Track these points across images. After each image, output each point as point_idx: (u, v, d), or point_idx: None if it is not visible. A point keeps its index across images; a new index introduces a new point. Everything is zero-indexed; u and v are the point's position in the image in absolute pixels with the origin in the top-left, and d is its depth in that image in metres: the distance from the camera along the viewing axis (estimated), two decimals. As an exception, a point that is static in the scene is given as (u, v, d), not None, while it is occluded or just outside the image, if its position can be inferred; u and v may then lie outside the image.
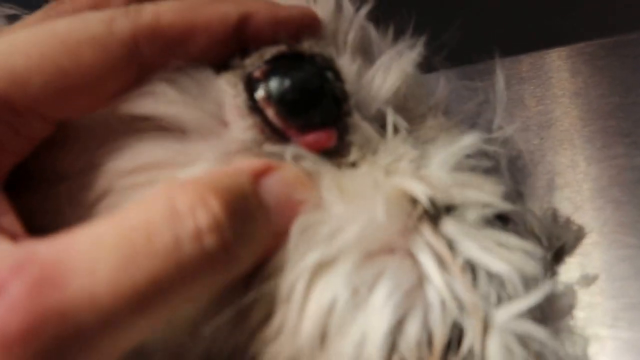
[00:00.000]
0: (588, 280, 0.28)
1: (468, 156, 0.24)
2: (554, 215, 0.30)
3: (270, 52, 0.23)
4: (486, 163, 0.24)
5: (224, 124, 0.22)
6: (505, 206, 0.23)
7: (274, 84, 0.22)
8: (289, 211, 0.21)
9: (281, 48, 0.23)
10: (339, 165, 0.23)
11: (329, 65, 0.23)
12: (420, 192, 0.21)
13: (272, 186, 0.21)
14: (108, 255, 0.16)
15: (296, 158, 0.22)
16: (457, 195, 0.22)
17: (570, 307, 0.24)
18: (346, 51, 0.24)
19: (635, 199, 0.30)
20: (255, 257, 0.20)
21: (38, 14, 0.26)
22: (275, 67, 0.23)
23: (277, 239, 0.21)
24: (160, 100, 0.22)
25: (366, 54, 0.26)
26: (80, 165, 0.22)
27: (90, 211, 0.21)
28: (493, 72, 0.39)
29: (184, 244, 0.17)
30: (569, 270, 0.28)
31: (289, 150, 0.22)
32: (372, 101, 0.24)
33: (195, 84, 0.22)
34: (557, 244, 0.28)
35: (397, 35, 0.27)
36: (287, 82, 0.22)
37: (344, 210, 0.21)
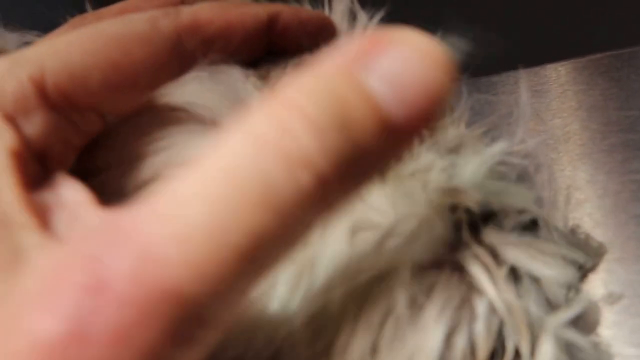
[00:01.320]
0: (613, 298, 0.28)
1: (498, 164, 0.23)
2: (574, 231, 0.29)
3: (294, 62, 0.25)
4: (512, 173, 0.24)
5: None
6: (538, 212, 0.23)
7: None
8: (419, 100, 0.15)
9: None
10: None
11: None
12: (461, 203, 0.22)
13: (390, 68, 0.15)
14: (200, 213, 0.14)
15: None
16: (494, 203, 0.22)
17: (597, 323, 0.24)
18: None
19: (659, 213, 0.29)
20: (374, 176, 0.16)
21: (64, 26, 0.27)
22: None
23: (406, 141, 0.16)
24: (198, 92, 0.23)
25: None
26: (122, 156, 0.22)
27: (134, 195, 0.21)
28: (507, 84, 0.38)
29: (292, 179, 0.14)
30: (593, 288, 0.28)
31: None
32: None
33: (227, 83, 0.24)
34: (579, 261, 0.27)
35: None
36: None
37: (391, 225, 0.21)
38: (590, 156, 0.33)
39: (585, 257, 0.27)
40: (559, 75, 0.37)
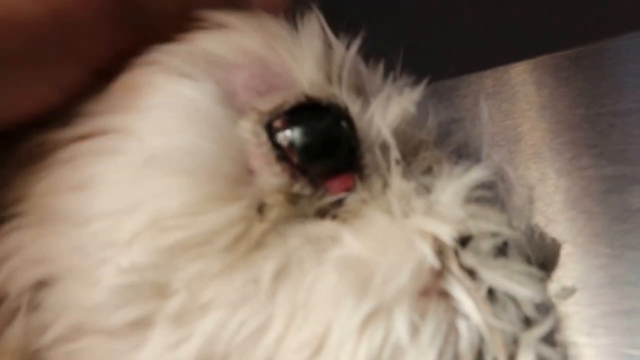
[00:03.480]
0: (567, 292, 0.29)
1: (474, 188, 0.26)
2: (531, 231, 0.31)
3: (288, 102, 0.25)
4: (488, 193, 0.26)
5: (250, 171, 0.24)
6: (511, 234, 0.24)
7: (296, 134, 0.24)
8: None
9: (300, 99, 0.25)
10: (355, 206, 0.25)
11: (344, 115, 0.25)
12: (443, 232, 0.23)
13: None
14: None
15: (329, 208, 0.24)
16: (471, 227, 0.24)
17: (565, 334, 0.26)
18: (342, 91, 0.26)
19: (606, 208, 0.31)
20: None
21: None
22: (295, 117, 0.25)
23: None
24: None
25: (360, 91, 0.27)
26: None
27: None
28: (461, 88, 0.40)
29: None
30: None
31: (324, 199, 0.24)
32: (374, 138, 0.26)
33: (216, 128, 0.24)
34: (540, 261, 0.29)
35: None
36: (308, 133, 0.24)
37: (377, 258, 0.23)
38: (540, 155, 0.35)
39: (544, 256, 0.29)
40: (509, 77, 0.39)
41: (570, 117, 0.35)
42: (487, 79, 0.40)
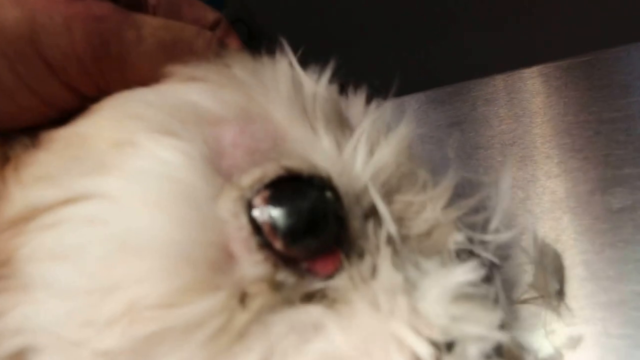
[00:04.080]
0: (574, 342, 0.32)
1: (464, 285, 0.25)
2: (544, 252, 0.34)
3: (268, 176, 0.24)
4: (482, 291, 0.25)
5: (231, 256, 0.23)
6: (501, 337, 0.24)
7: (278, 214, 0.23)
8: None
9: (279, 172, 0.24)
10: (342, 287, 0.24)
11: (328, 185, 0.24)
12: (423, 349, 0.22)
13: None
14: None
15: (315, 293, 0.24)
16: (456, 331, 0.23)
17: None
18: (320, 128, 0.25)
19: (589, 208, 0.34)
20: None
21: None
22: (275, 193, 0.23)
23: None
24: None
25: (339, 124, 0.27)
26: None
27: None
28: (461, 94, 0.43)
29: None
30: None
31: (310, 285, 0.24)
32: (355, 183, 0.25)
33: (197, 209, 0.23)
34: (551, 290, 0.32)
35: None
36: (291, 213, 0.23)
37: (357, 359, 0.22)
38: (531, 158, 0.38)
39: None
40: (506, 85, 0.42)
41: (560, 123, 0.38)
42: (487, 86, 0.43)
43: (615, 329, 0.30)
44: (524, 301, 0.33)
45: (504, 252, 0.33)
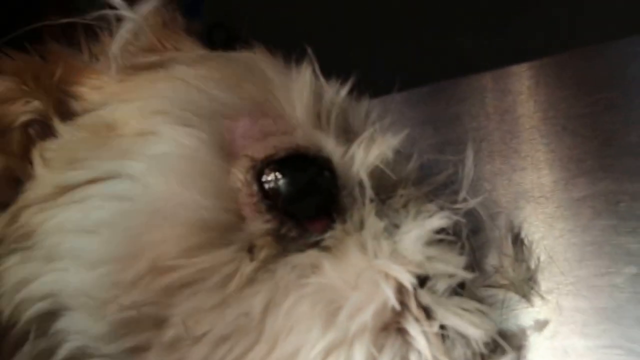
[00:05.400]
0: (540, 324, 0.33)
1: (436, 232, 0.29)
2: (520, 240, 0.35)
3: (279, 153, 0.28)
4: (449, 237, 0.30)
5: (242, 217, 0.27)
6: (466, 275, 0.29)
7: (284, 185, 0.28)
8: None
9: (290, 151, 0.29)
10: (337, 237, 0.29)
11: (327, 166, 0.29)
12: (403, 277, 0.27)
13: None
14: None
15: (313, 244, 0.28)
16: (429, 268, 0.28)
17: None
18: (330, 133, 0.30)
19: (552, 197, 0.35)
20: None
21: None
22: (283, 166, 0.28)
23: None
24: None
25: (347, 130, 0.31)
26: None
27: None
28: (435, 94, 0.45)
29: None
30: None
31: (308, 238, 0.28)
32: (354, 174, 0.30)
33: (213, 182, 0.27)
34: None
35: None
36: (294, 183, 0.28)
37: (348, 292, 0.27)
38: (500, 153, 0.39)
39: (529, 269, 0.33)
40: (479, 85, 0.43)
41: (529, 120, 0.40)
42: (460, 85, 0.44)
43: (570, 304, 0.32)
44: (491, 285, 0.34)
45: (474, 224, 0.34)
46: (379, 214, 0.29)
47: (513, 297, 0.33)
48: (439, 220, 0.29)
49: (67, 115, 0.30)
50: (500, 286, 0.33)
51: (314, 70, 0.31)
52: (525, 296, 0.33)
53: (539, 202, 0.36)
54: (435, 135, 0.42)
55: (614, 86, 0.38)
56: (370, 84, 0.35)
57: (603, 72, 0.40)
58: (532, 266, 0.34)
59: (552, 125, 0.39)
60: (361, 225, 0.29)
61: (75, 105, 0.31)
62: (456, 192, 0.34)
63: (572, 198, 0.35)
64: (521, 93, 0.41)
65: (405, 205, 0.31)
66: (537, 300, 0.33)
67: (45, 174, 0.28)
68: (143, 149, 0.28)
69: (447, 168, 0.35)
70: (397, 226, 0.29)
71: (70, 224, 0.27)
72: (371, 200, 0.29)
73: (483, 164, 0.39)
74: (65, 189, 0.28)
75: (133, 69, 0.31)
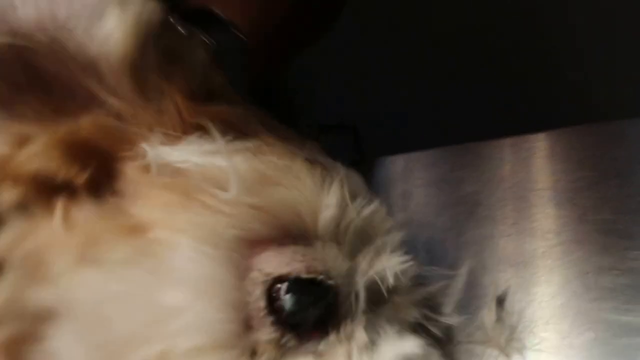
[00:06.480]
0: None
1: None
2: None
3: (290, 276, 0.31)
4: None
5: (249, 327, 0.30)
6: None
7: (290, 303, 0.31)
8: None
9: (300, 276, 0.31)
10: (329, 346, 0.32)
11: (332, 290, 0.32)
12: None
13: None
14: None
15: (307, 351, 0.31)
16: None
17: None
18: (344, 246, 0.33)
19: (532, 262, 0.41)
20: None
21: None
22: (292, 287, 0.31)
23: None
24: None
25: (360, 240, 0.34)
26: None
27: None
28: (436, 160, 0.50)
29: None
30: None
31: (305, 346, 0.31)
32: (353, 286, 0.33)
33: (226, 299, 0.30)
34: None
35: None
36: (301, 303, 0.31)
37: None
38: (491, 218, 0.44)
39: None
40: (479, 153, 0.49)
41: (521, 189, 0.45)
42: (467, 152, 0.50)
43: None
44: (472, 341, 0.39)
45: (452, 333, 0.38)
46: (368, 326, 0.32)
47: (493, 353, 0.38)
48: (415, 347, 0.32)
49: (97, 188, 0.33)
50: (482, 343, 0.38)
51: (342, 183, 0.34)
52: (506, 353, 0.37)
53: (518, 268, 0.41)
54: (439, 195, 0.48)
55: (593, 166, 0.43)
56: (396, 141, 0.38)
57: (588, 150, 0.45)
58: (513, 325, 0.38)
59: (539, 197, 0.44)
60: (351, 336, 0.32)
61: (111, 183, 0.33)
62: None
63: (546, 266, 0.40)
64: (517, 163, 0.47)
65: (392, 319, 0.34)
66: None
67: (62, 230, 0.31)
68: (160, 256, 0.30)
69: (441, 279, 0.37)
70: (382, 334, 0.33)
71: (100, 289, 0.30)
72: (364, 313, 0.32)
73: (476, 228, 0.44)
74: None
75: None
